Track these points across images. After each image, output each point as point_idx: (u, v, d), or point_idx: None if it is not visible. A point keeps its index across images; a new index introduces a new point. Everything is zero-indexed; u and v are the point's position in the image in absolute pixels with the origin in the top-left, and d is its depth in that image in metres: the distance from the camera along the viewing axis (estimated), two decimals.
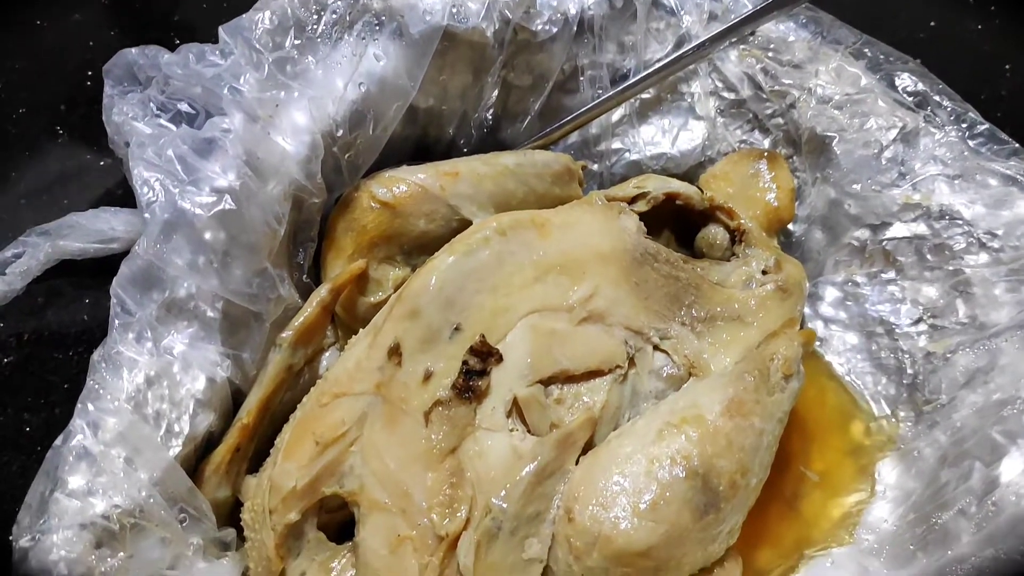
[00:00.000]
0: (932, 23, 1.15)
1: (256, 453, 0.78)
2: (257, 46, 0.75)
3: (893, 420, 0.85)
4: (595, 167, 1.01)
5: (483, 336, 0.72)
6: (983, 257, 0.82)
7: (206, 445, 0.75)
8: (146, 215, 0.71)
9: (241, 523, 0.74)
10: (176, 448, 0.69)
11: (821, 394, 0.89)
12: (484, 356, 0.72)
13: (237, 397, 0.77)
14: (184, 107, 0.77)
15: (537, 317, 0.75)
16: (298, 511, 0.72)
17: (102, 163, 1.10)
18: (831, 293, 0.92)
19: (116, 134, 0.77)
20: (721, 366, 0.79)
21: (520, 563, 0.67)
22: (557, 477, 0.70)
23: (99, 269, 0.94)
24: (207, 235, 0.72)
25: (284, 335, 0.77)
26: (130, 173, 0.73)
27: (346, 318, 0.84)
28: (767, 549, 0.80)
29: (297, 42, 0.77)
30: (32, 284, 0.94)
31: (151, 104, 0.77)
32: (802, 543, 0.81)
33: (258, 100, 0.73)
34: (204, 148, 0.73)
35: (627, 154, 1.00)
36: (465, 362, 0.71)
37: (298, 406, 0.77)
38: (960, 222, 0.83)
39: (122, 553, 0.64)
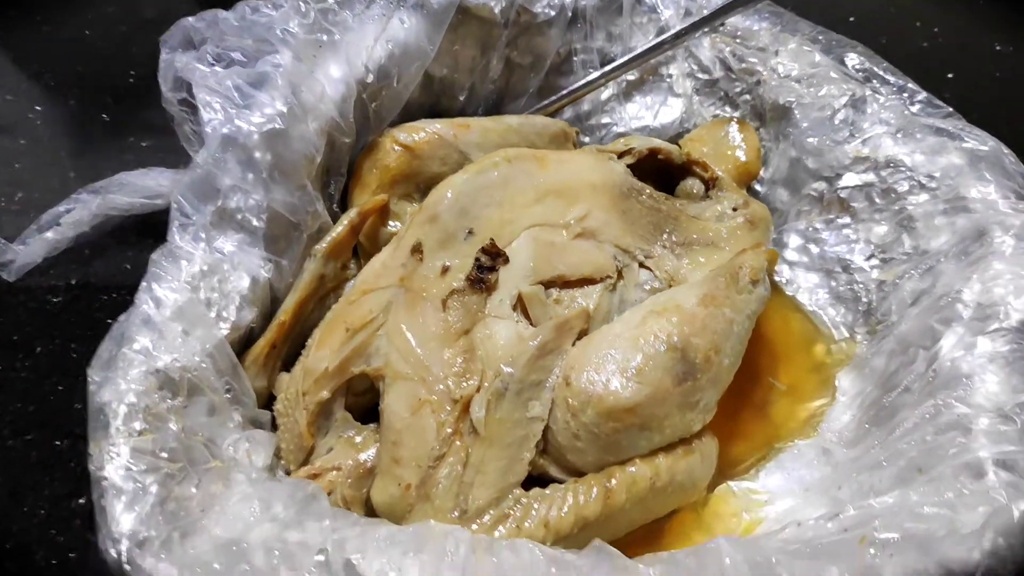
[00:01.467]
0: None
1: (289, 355, 0.88)
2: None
3: (851, 340, 0.95)
4: (586, 139, 1.11)
5: (492, 240, 0.83)
6: (923, 196, 0.92)
7: (247, 340, 0.83)
8: (207, 130, 0.83)
9: (274, 412, 0.84)
10: (225, 330, 0.77)
11: (787, 324, 0.99)
12: (493, 256, 0.83)
13: (275, 300, 0.86)
14: (237, 55, 0.90)
15: (538, 230, 0.86)
16: (329, 389, 0.81)
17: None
18: (794, 240, 1.01)
19: (171, 89, 0.90)
20: (696, 280, 0.90)
21: (524, 420, 0.77)
22: (556, 354, 0.80)
23: (142, 230, 1.08)
24: (256, 153, 0.84)
25: (318, 247, 0.88)
26: (182, 125, 0.84)
27: (369, 247, 0.95)
28: (741, 444, 0.89)
29: None
30: (80, 239, 1.06)
31: (207, 56, 0.90)
32: (772, 439, 0.89)
33: (304, 42, 0.87)
34: (258, 80, 0.86)
35: (615, 127, 1.12)
36: (477, 259, 0.82)
37: (329, 311, 0.88)
38: (903, 169, 0.93)
39: (180, 399, 0.73)
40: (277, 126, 0.84)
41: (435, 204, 0.84)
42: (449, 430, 0.76)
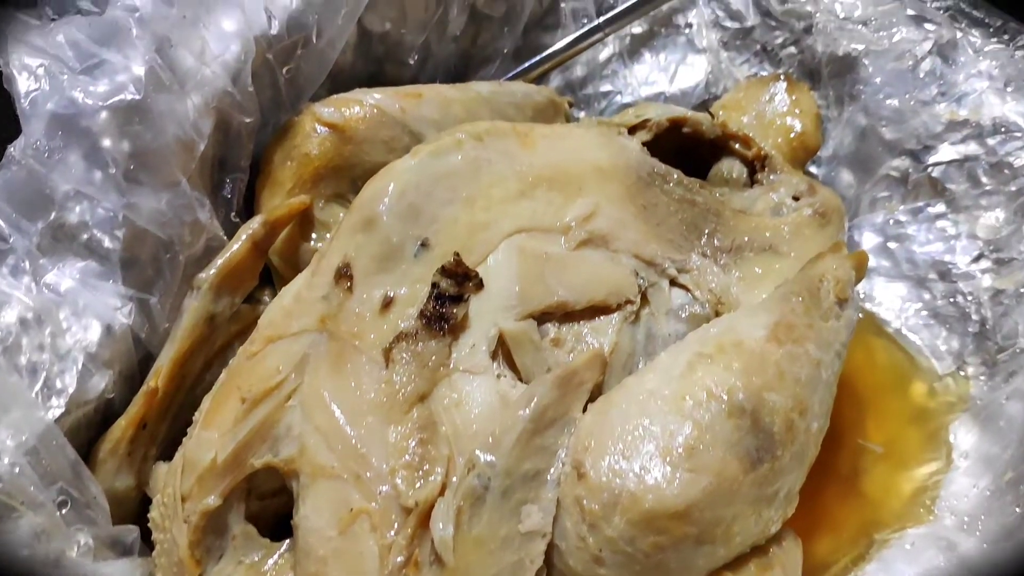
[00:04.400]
0: None
1: (172, 434, 0.63)
2: None
3: (962, 376, 0.74)
4: (582, 113, 0.92)
5: (457, 254, 0.57)
6: None
7: (103, 419, 0.61)
8: (25, 106, 0.56)
9: (149, 524, 0.58)
10: (57, 409, 0.57)
11: (870, 355, 0.76)
12: (459, 279, 0.57)
13: (145, 356, 0.63)
14: (85, 4, 0.63)
15: (524, 237, 0.61)
16: (219, 493, 0.56)
17: None
18: (870, 238, 0.81)
19: None
20: (754, 302, 0.64)
21: (515, 536, 0.51)
22: (560, 426, 0.54)
23: None
24: (106, 140, 0.60)
25: (203, 275, 0.62)
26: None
27: (286, 271, 0.69)
28: (828, 537, 0.66)
29: None
30: None
31: (47, 9, 0.63)
32: (870, 526, 0.67)
33: None
34: (105, 33, 0.60)
35: (618, 97, 0.91)
36: (435, 284, 0.56)
37: (224, 369, 0.61)
38: (1018, 134, 0.73)
39: None
40: (132, 96, 0.57)
41: (371, 202, 0.59)
42: (399, 557, 0.51)
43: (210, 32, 0.63)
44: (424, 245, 0.58)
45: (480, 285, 0.58)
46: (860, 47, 0.78)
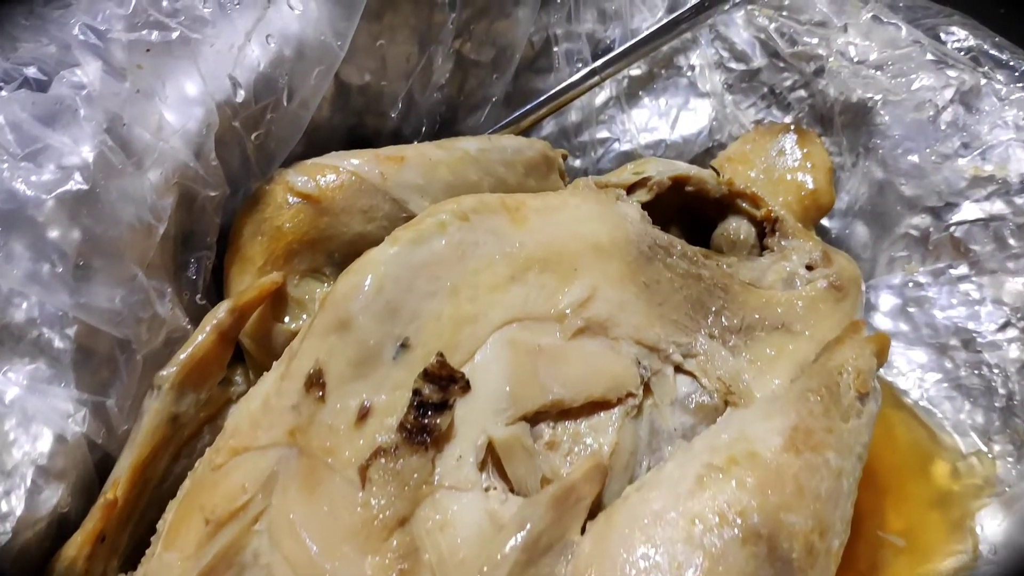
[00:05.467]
0: None
1: (134, 545, 0.57)
2: None
3: (988, 456, 0.68)
4: (577, 162, 0.87)
5: (441, 355, 0.51)
6: None
7: (57, 533, 0.55)
8: None
9: None
10: (2, 536, 0.50)
11: (888, 430, 0.70)
12: (444, 383, 0.51)
13: (102, 465, 0.57)
14: (32, 72, 0.58)
15: (516, 328, 0.56)
16: None
17: None
18: (887, 299, 0.75)
19: None
20: (767, 390, 0.59)
21: None
22: (556, 553, 0.49)
23: None
24: (52, 231, 0.54)
25: (164, 372, 0.57)
26: None
27: (258, 354, 0.64)
28: None
29: None
30: None
31: None
32: None
33: (124, 44, 0.54)
34: (49, 113, 0.54)
35: (616, 144, 0.86)
36: (417, 392, 0.51)
37: (189, 473, 0.56)
38: None
39: None
40: (80, 186, 0.51)
41: (345, 300, 0.53)
42: None
43: (167, 104, 0.57)
44: (404, 346, 0.53)
45: (467, 387, 0.52)
46: (877, 96, 0.73)
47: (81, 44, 0.54)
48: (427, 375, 0.51)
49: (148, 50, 0.55)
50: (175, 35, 0.56)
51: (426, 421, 0.50)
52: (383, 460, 0.50)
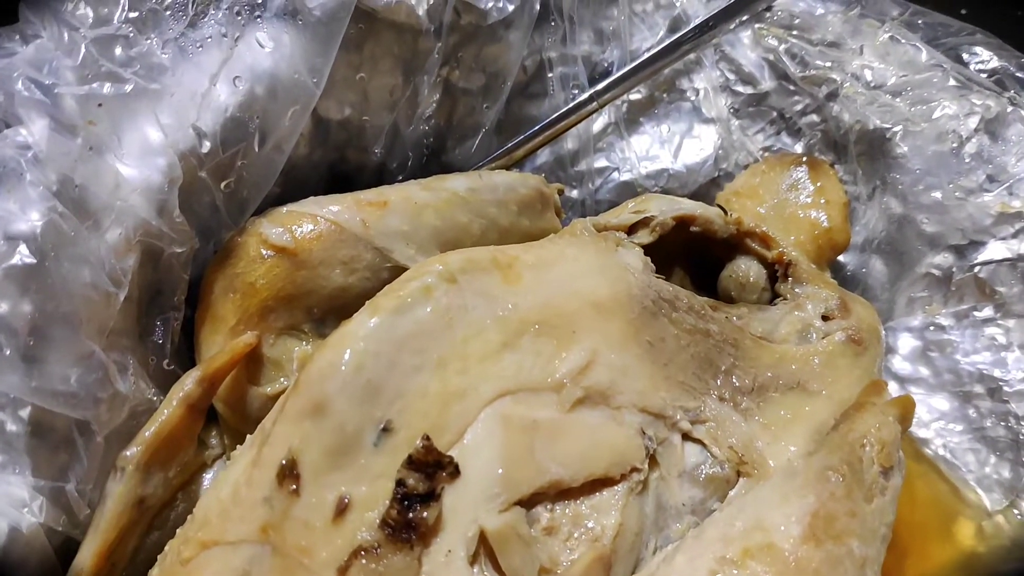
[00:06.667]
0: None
1: None
2: (72, 21, 0.50)
3: (1015, 514, 0.63)
4: (574, 193, 0.82)
5: (428, 438, 0.47)
6: None
7: None
8: None
9: None
10: None
11: (908, 486, 0.64)
12: (431, 469, 0.47)
13: (64, 549, 0.53)
14: None
15: (509, 402, 0.51)
16: None
17: None
18: (907, 342, 0.70)
19: None
20: (783, 458, 0.55)
21: None
22: None
23: None
24: (1, 306, 0.47)
25: (128, 453, 0.53)
26: None
27: (233, 419, 0.60)
28: None
29: (133, 15, 0.52)
30: None
31: None
32: None
33: (73, 98, 0.49)
34: None
35: (615, 174, 0.81)
36: (401, 482, 0.46)
37: (159, 558, 0.51)
38: None
39: None
40: (27, 260, 0.46)
41: (320, 380, 0.48)
42: None
43: (124, 161, 0.52)
44: (386, 429, 0.48)
45: (456, 472, 0.48)
46: (896, 128, 0.67)
47: (25, 100, 0.49)
48: (412, 462, 0.46)
49: (100, 104, 0.50)
50: (129, 87, 0.51)
51: (411, 515, 0.46)
52: (364, 560, 0.45)
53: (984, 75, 0.68)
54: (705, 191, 0.77)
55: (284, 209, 0.61)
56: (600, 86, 0.74)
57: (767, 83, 0.74)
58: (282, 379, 0.60)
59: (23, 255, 0.48)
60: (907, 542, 0.63)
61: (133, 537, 0.54)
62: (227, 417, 0.59)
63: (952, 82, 0.67)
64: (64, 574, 0.52)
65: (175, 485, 0.57)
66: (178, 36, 0.53)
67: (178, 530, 0.51)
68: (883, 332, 0.63)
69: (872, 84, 0.70)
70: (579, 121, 0.76)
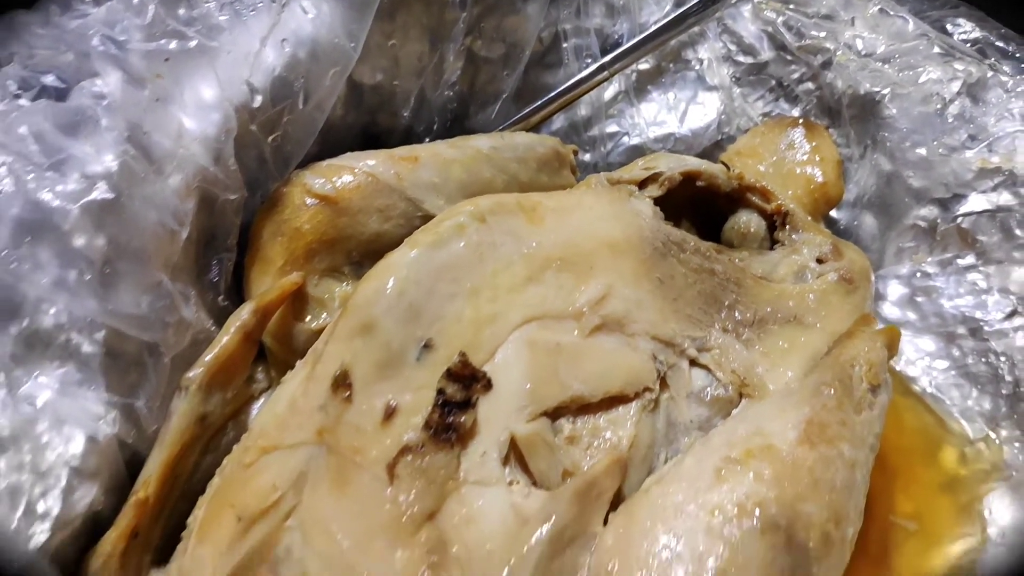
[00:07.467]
0: None
1: (166, 538, 0.58)
2: None
3: (995, 441, 0.68)
4: (587, 156, 0.86)
5: (464, 354, 0.52)
6: None
7: (91, 530, 0.55)
8: None
9: None
10: (42, 535, 0.51)
11: (897, 417, 0.70)
12: (467, 381, 0.52)
13: (133, 463, 0.58)
14: (50, 80, 0.58)
15: (535, 327, 0.56)
16: None
17: None
18: (895, 289, 0.75)
19: None
20: (781, 382, 0.60)
21: None
22: (580, 544, 0.50)
23: None
24: (78, 239, 0.54)
25: (191, 374, 0.57)
26: None
27: (280, 352, 0.64)
28: None
29: None
30: None
31: (8, 83, 0.57)
32: None
33: (142, 54, 0.54)
34: (71, 123, 0.55)
35: (625, 138, 0.86)
36: (441, 391, 0.52)
37: (217, 471, 0.57)
38: None
39: None
40: (105, 195, 0.52)
41: (368, 304, 0.54)
42: None
43: (186, 111, 0.57)
44: (427, 347, 0.54)
45: (489, 386, 0.53)
46: (884, 90, 0.73)
47: (100, 54, 0.55)
48: (450, 374, 0.52)
49: (167, 59, 0.56)
50: (193, 44, 0.57)
51: (451, 419, 0.51)
52: (410, 457, 0.51)
53: (967, 44, 0.74)
54: (709, 153, 0.82)
55: (325, 163, 0.66)
56: (611, 56, 0.79)
57: (766, 53, 0.80)
58: (324, 315, 0.65)
59: (100, 191, 0.53)
60: (897, 465, 0.68)
61: (193, 453, 0.59)
62: (275, 350, 0.64)
63: (937, 50, 0.73)
64: (132, 485, 0.58)
65: (226, 415, 0.63)
66: (233, 0, 0.59)
67: (234, 446, 0.57)
68: (872, 275, 0.68)
69: (863, 52, 0.75)
70: (591, 89, 0.81)
